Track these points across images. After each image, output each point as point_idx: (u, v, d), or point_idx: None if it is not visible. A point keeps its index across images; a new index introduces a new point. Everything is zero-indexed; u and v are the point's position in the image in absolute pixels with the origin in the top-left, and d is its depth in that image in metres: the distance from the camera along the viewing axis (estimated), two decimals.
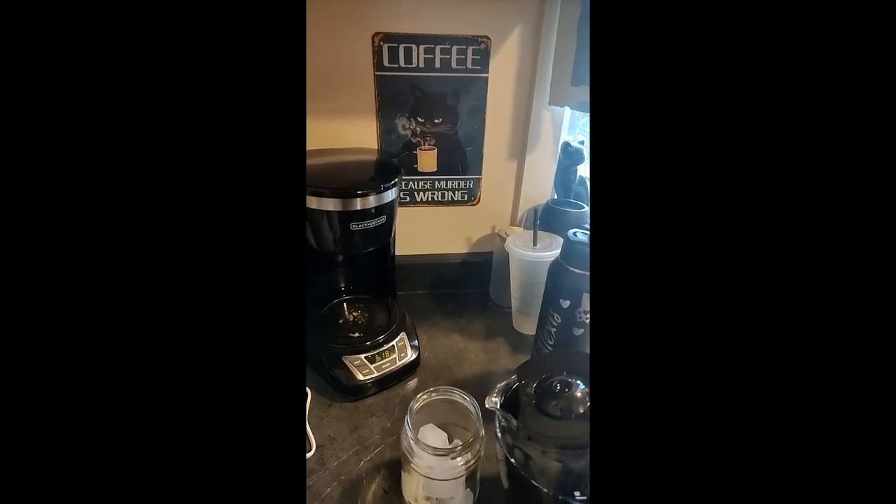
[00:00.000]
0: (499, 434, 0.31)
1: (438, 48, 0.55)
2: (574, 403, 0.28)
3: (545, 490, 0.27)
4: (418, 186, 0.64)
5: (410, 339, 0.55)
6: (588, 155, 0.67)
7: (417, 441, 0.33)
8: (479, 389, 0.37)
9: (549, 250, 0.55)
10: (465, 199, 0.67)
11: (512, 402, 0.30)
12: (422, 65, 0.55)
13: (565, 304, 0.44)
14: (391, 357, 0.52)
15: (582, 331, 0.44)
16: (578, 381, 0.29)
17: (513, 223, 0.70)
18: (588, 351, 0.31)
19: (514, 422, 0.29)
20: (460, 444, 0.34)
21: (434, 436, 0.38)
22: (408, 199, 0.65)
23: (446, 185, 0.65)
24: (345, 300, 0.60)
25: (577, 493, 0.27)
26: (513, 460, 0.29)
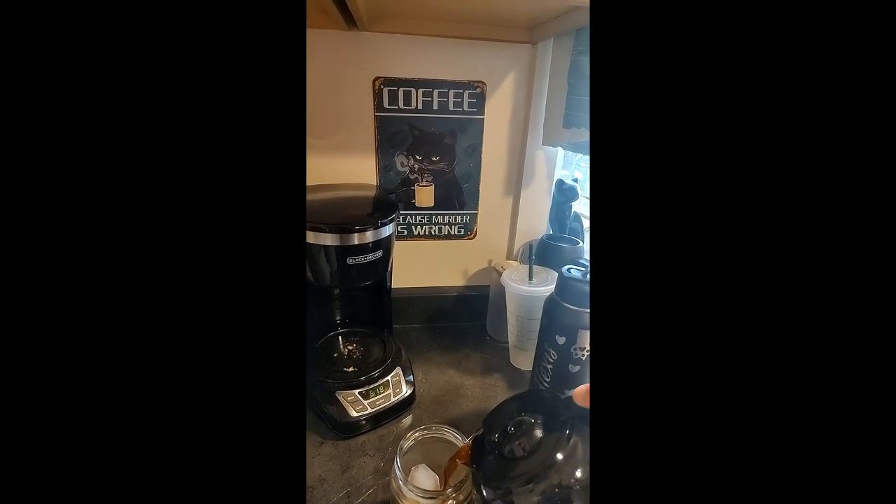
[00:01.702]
0: (473, 490, 0.31)
1: (436, 92, 0.58)
2: (531, 440, 0.28)
3: None
4: (416, 221, 0.66)
5: (406, 375, 0.54)
6: (581, 192, 0.69)
7: (406, 482, 0.32)
8: (474, 427, 0.36)
9: (545, 285, 0.56)
10: (462, 233, 0.68)
11: (481, 453, 0.31)
12: (420, 107, 0.58)
13: (561, 340, 0.44)
14: (385, 393, 0.51)
15: (578, 368, 0.44)
16: (532, 419, 0.29)
17: (509, 257, 0.71)
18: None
19: (479, 470, 0.29)
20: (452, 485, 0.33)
21: (426, 476, 0.37)
22: (405, 232, 0.66)
23: (443, 220, 0.66)
24: (340, 333, 0.60)
25: None
26: None
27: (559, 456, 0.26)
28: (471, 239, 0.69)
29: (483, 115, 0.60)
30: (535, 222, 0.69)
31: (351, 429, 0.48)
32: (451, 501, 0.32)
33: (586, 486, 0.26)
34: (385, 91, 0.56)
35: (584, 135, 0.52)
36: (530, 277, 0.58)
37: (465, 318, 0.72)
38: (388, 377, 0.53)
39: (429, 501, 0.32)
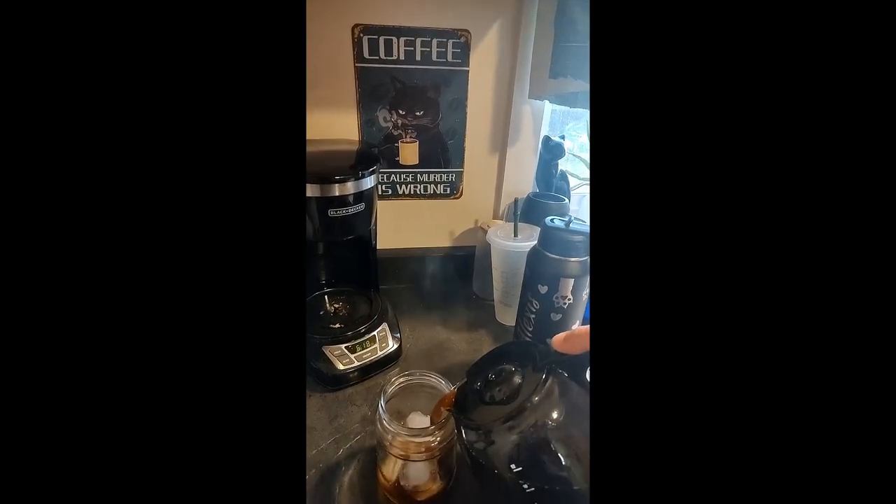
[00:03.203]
0: (456, 435, 0.32)
1: (419, 41, 0.55)
2: (511, 385, 0.29)
3: (506, 474, 0.27)
4: (400, 179, 0.65)
5: (392, 330, 0.55)
6: (567, 150, 0.68)
7: (391, 421, 0.33)
8: (462, 378, 0.36)
9: (530, 241, 0.56)
10: (448, 192, 0.67)
11: (464, 401, 0.32)
12: (402, 57, 0.56)
13: (543, 289, 0.45)
14: (372, 347, 0.52)
15: (560, 316, 0.45)
16: (512, 367, 0.30)
17: (495, 217, 0.71)
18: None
19: (461, 415, 0.30)
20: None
21: (422, 422, 0.38)
22: (390, 192, 0.65)
23: (428, 178, 0.65)
24: (326, 292, 0.60)
25: (513, 466, 0.27)
26: (474, 451, 0.29)
27: (536, 398, 0.27)
28: (457, 198, 0.68)
29: (468, 66, 0.58)
30: (522, 181, 0.68)
31: (338, 381, 0.49)
32: (433, 438, 0.33)
33: (561, 425, 0.27)
34: (365, 39, 0.54)
35: (571, 84, 0.51)
36: (515, 234, 0.58)
37: (452, 277, 0.72)
38: (375, 332, 0.53)
39: (413, 439, 0.33)
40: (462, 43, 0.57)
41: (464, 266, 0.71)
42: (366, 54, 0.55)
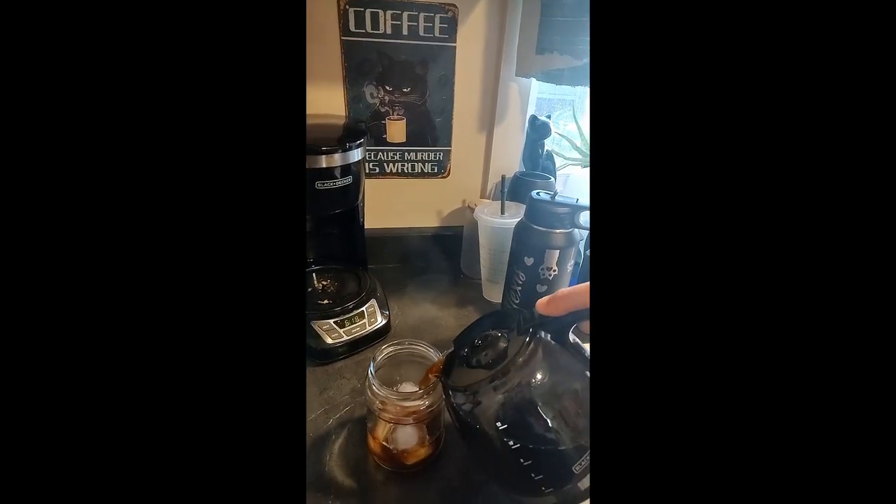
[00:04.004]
0: (443, 401, 0.33)
1: (406, 14, 0.55)
2: (496, 349, 0.30)
3: (492, 432, 0.28)
4: (388, 157, 0.64)
5: (381, 307, 0.55)
6: (554, 128, 0.68)
7: (380, 386, 0.34)
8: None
9: (517, 218, 0.56)
10: (436, 171, 0.67)
11: (452, 366, 0.32)
12: (389, 31, 0.55)
13: (529, 261, 0.45)
14: (361, 322, 0.52)
15: (545, 287, 0.46)
16: (498, 332, 0.31)
17: (482, 196, 0.71)
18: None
19: (449, 380, 0.30)
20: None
21: (411, 389, 0.39)
22: (377, 170, 0.65)
23: (416, 157, 0.65)
24: (314, 270, 0.60)
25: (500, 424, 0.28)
26: (461, 413, 0.30)
27: (520, 359, 0.28)
28: (445, 177, 0.68)
29: (455, 42, 0.58)
30: (509, 160, 0.69)
31: (328, 355, 0.49)
32: (421, 402, 0.34)
33: (546, 385, 0.28)
34: (351, 12, 0.53)
35: (558, 60, 0.51)
36: (502, 211, 0.59)
37: (440, 257, 0.73)
38: (364, 308, 0.53)
39: (402, 403, 0.34)
40: (449, 18, 0.56)
41: (452, 245, 0.71)
42: (352, 27, 0.54)
